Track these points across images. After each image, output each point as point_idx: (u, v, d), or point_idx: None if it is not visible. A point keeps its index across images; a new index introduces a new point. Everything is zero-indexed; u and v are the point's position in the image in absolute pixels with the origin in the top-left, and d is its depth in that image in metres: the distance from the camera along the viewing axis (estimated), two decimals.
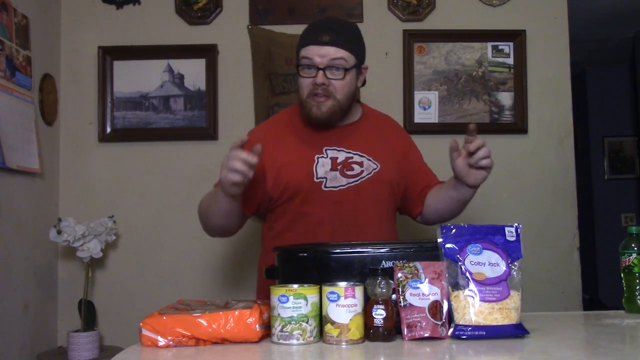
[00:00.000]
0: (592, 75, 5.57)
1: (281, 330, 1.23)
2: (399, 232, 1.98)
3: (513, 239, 1.31)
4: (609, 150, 5.60)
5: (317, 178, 1.76)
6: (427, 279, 1.27)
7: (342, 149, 1.80)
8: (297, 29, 2.79)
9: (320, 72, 1.70)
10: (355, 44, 1.78)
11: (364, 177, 1.79)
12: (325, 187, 1.76)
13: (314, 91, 1.72)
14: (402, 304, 1.26)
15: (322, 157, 1.78)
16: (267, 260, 1.65)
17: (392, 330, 1.25)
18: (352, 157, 1.80)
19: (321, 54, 1.70)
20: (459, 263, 1.27)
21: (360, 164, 1.80)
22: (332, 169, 1.77)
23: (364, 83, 1.89)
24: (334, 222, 1.76)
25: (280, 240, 1.77)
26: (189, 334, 1.23)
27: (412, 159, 1.93)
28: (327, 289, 1.24)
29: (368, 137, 1.85)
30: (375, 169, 1.81)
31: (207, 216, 1.76)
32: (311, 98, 1.73)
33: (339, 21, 1.87)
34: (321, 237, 1.74)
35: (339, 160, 1.78)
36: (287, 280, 1.33)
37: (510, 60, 2.83)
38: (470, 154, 1.67)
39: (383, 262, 1.32)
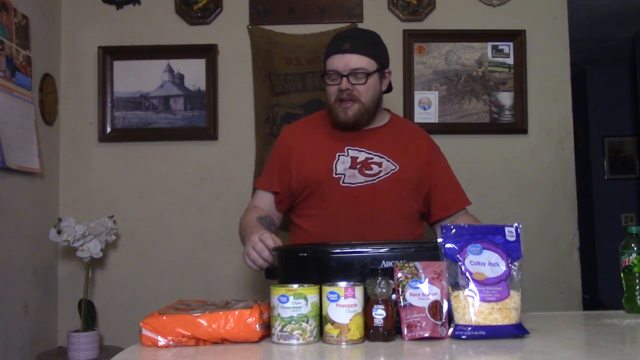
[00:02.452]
0: (592, 75, 5.56)
1: (281, 330, 1.23)
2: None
3: (513, 239, 1.31)
4: (609, 150, 5.60)
5: (336, 174, 1.85)
6: (427, 279, 1.27)
7: (363, 149, 1.88)
8: (297, 29, 2.82)
9: (344, 78, 1.81)
10: (375, 50, 1.87)
11: (381, 176, 1.85)
12: (343, 182, 1.84)
13: (340, 97, 1.83)
14: (402, 304, 1.26)
15: (343, 155, 1.87)
16: None
17: (392, 330, 1.25)
18: (372, 158, 1.87)
19: (343, 62, 1.81)
20: (459, 263, 1.27)
21: (379, 165, 1.86)
22: (351, 167, 1.85)
23: (390, 89, 1.97)
24: (350, 215, 1.82)
25: (301, 232, 1.89)
26: (189, 334, 1.23)
27: (436, 168, 1.96)
28: (327, 289, 1.24)
29: (391, 141, 1.92)
30: (393, 169, 1.86)
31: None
32: (338, 104, 1.84)
33: (359, 30, 1.98)
34: (336, 229, 1.81)
35: (359, 160, 1.86)
36: (287, 280, 1.33)
37: (510, 60, 2.83)
38: None
39: (383, 262, 1.32)
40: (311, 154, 1.90)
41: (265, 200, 1.95)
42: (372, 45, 1.87)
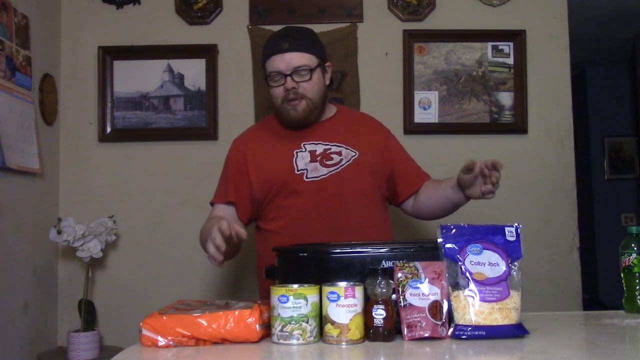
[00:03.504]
0: (592, 75, 5.56)
1: (281, 330, 1.23)
2: (400, 231, 1.98)
3: (513, 239, 1.31)
4: (609, 150, 5.60)
5: (298, 170, 1.83)
6: (427, 279, 1.27)
7: (319, 142, 1.87)
8: None
9: (288, 77, 1.79)
10: (313, 45, 1.86)
11: (343, 164, 1.85)
12: (306, 177, 1.83)
13: (286, 97, 1.81)
14: (402, 304, 1.26)
15: (301, 151, 1.86)
16: (264, 263, 1.67)
17: (392, 330, 1.25)
18: (330, 149, 1.86)
19: (285, 61, 1.80)
20: (459, 263, 1.27)
21: (339, 153, 1.86)
22: (311, 161, 1.84)
23: (331, 84, 1.96)
24: (319, 208, 1.81)
25: (271, 235, 1.85)
26: (189, 334, 1.23)
27: (393, 150, 1.97)
28: (327, 289, 1.24)
29: (345, 130, 1.92)
30: (354, 156, 1.86)
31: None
32: (286, 103, 1.83)
33: (294, 28, 1.97)
34: (308, 224, 1.80)
35: (317, 152, 1.85)
36: (287, 280, 1.33)
37: (510, 60, 2.83)
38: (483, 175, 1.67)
39: (383, 262, 1.32)
40: (268, 157, 1.87)
41: (225, 211, 1.89)
42: (309, 41, 1.87)
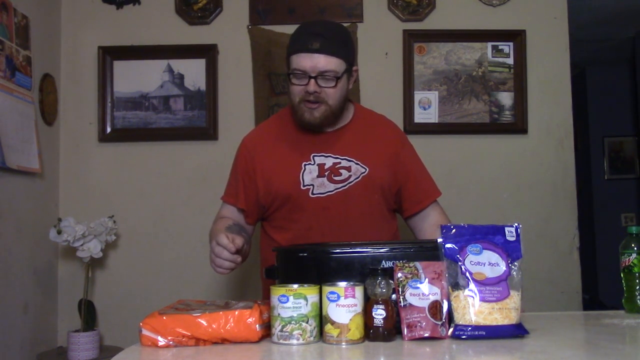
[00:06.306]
0: (592, 75, 5.56)
1: (281, 330, 1.23)
2: (401, 230, 1.98)
3: (513, 239, 1.31)
4: (609, 150, 5.60)
5: (304, 185, 1.78)
6: (427, 279, 1.27)
7: (329, 154, 1.80)
8: None
9: (312, 80, 1.70)
10: (344, 49, 1.75)
11: (351, 181, 1.79)
12: (312, 194, 1.78)
13: (306, 98, 1.72)
14: (402, 304, 1.26)
15: (309, 163, 1.79)
16: (267, 264, 1.68)
17: (392, 330, 1.25)
18: (339, 163, 1.80)
19: (312, 62, 1.69)
20: (459, 263, 1.27)
21: (348, 169, 1.79)
22: (319, 176, 1.78)
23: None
24: (323, 227, 1.77)
25: (273, 245, 1.80)
26: (189, 334, 1.23)
27: (405, 161, 1.89)
28: (327, 289, 1.24)
29: (357, 141, 1.84)
30: (363, 172, 1.80)
31: None
32: (303, 104, 1.74)
33: (327, 25, 1.84)
34: (311, 241, 1.74)
35: (326, 167, 1.79)
36: (287, 280, 1.33)
37: (510, 60, 2.83)
38: None
39: (383, 262, 1.32)
40: (276, 166, 1.81)
41: (234, 212, 1.88)
42: (341, 44, 1.74)
